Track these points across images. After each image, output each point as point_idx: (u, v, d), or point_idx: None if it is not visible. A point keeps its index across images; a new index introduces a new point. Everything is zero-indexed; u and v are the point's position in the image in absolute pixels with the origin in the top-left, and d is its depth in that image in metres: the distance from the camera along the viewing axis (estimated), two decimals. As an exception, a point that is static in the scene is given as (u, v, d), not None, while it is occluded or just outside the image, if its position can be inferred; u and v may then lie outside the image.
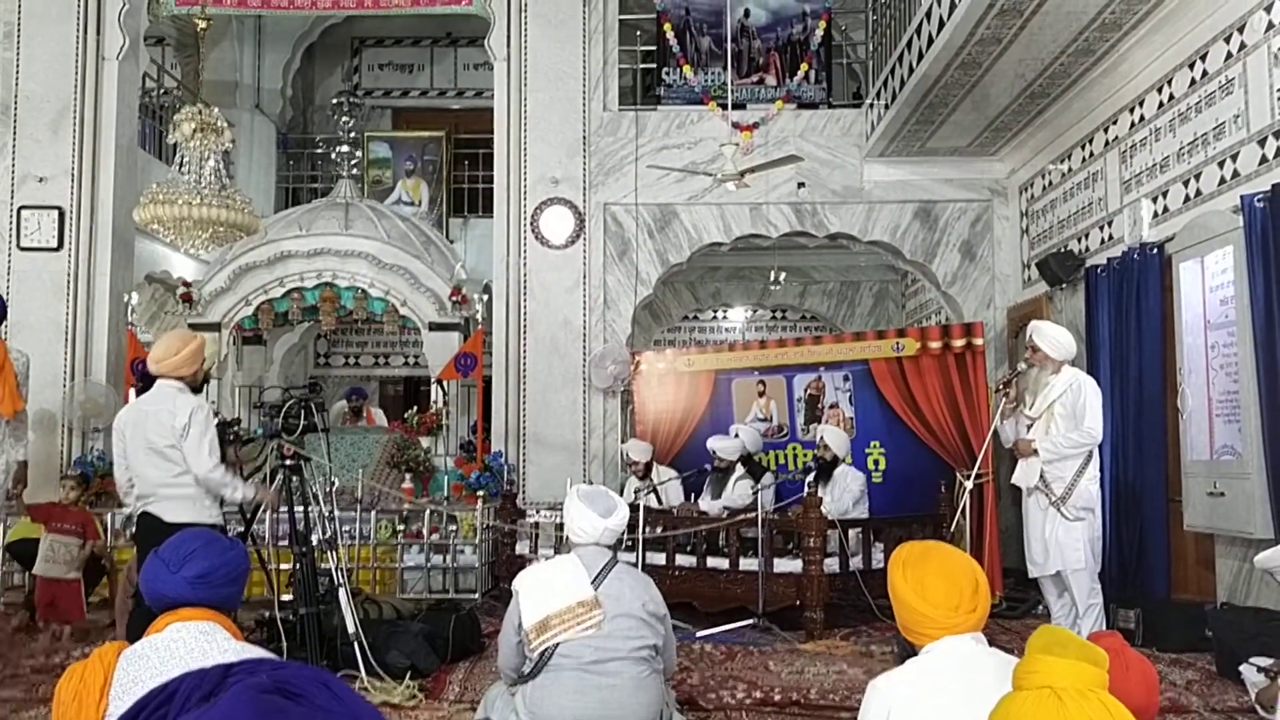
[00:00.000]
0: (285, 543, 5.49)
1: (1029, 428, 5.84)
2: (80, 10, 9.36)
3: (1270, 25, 5.56)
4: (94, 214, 9.30)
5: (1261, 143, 5.67)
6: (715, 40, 9.82)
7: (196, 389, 4.90)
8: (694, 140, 9.59)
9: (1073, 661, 1.66)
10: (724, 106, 9.26)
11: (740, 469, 7.92)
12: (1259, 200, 5.46)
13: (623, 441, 9.55)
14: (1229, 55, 5.97)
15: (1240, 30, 5.84)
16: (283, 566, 6.41)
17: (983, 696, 1.95)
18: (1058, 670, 1.65)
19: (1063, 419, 5.68)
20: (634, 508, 6.75)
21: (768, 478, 7.76)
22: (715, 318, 15.26)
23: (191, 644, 2.07)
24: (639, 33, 10.26)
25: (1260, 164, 5.69)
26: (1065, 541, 5.63)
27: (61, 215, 9.22)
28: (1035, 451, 5.71)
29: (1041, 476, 5.71)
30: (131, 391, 8.71)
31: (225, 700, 0.79)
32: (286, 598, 5.49)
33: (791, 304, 14.44)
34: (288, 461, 4.91)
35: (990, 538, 7.45)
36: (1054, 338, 5.75)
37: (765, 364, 9.05)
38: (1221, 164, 6.08)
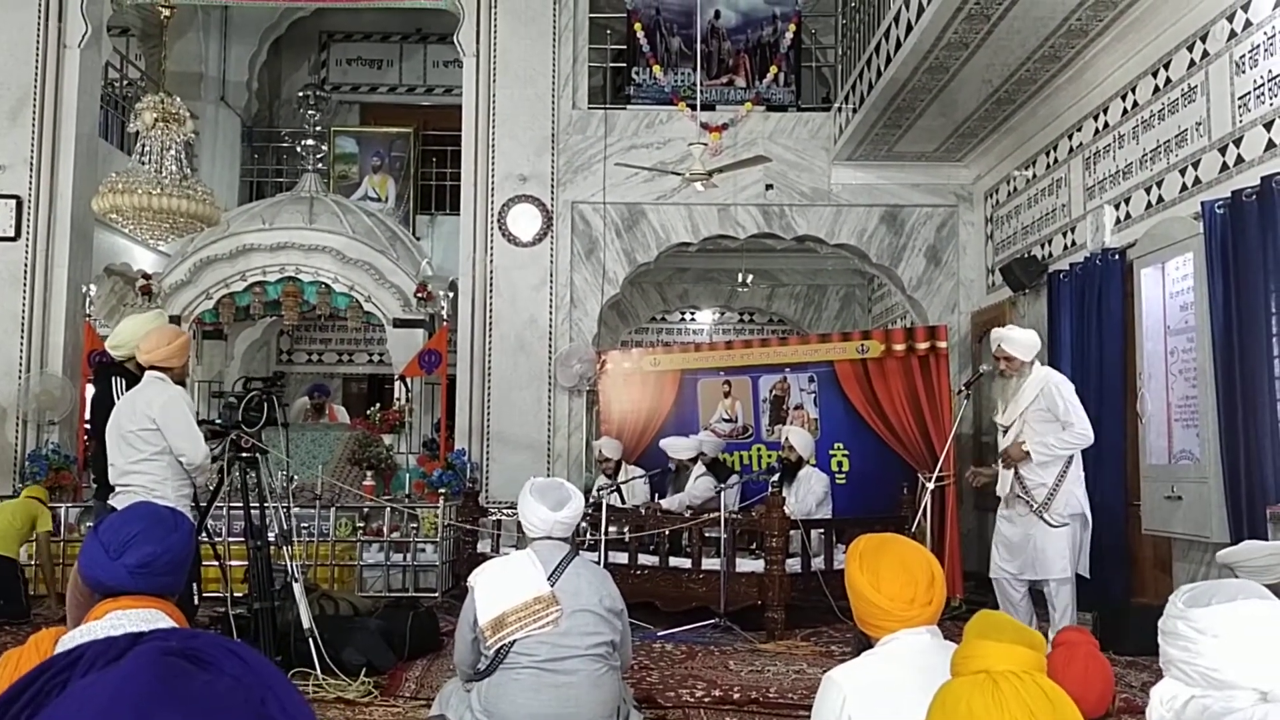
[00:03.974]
0: (240, 539, 5.42)
1: (1003, 434, 5.72)
2: (42, -4, 9.20)
3: (1232, 34, 5.62)
4: (53, 204, 9.12)
5: (1223, 150, 5.73)
6: (685, 41, 9.81)
7: (181, 382, 4.93)
8: (663, 140, 9.57)
9: (1008, 645, 1.65)
10: (693, 107, 9.25)
11: (701, 467, 7.91)
12: (1219, 207, 5.51)
13: (588, 441, 9.51)
14: (1192, 63, 6.03)
15: (1203, 39, 5.90)
16: (238, 563, 6.34)
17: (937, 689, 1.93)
18: (993, 654, 1.64)
19: (1040, 423, 5.51)
20: (597, 506, 6.73)
21: (733, 478, 7.74)
22: (683, 319, 15.24)
23: (132, 630, 2.00)
24: (609, 31, 10.23)
25: (1221, 171, 5.74)
26: (1048, 549, 5.43)
27: (19, 204, 9.04)
28: (1027, 454, 5.49)
29: (1021, 484, 5.53)
30: (88, 385, 8.57)
31: (128, 661, 0.75)
32: (240, 595, 5.41)
33: (759, 307, 14.46)
34: (244, 454, 4.83)
35: (951, 540, 7.48)
36: (1022, 342, 5.65)
37: (731, 364, 9.04)
38: (1183, 171, 6.14)
